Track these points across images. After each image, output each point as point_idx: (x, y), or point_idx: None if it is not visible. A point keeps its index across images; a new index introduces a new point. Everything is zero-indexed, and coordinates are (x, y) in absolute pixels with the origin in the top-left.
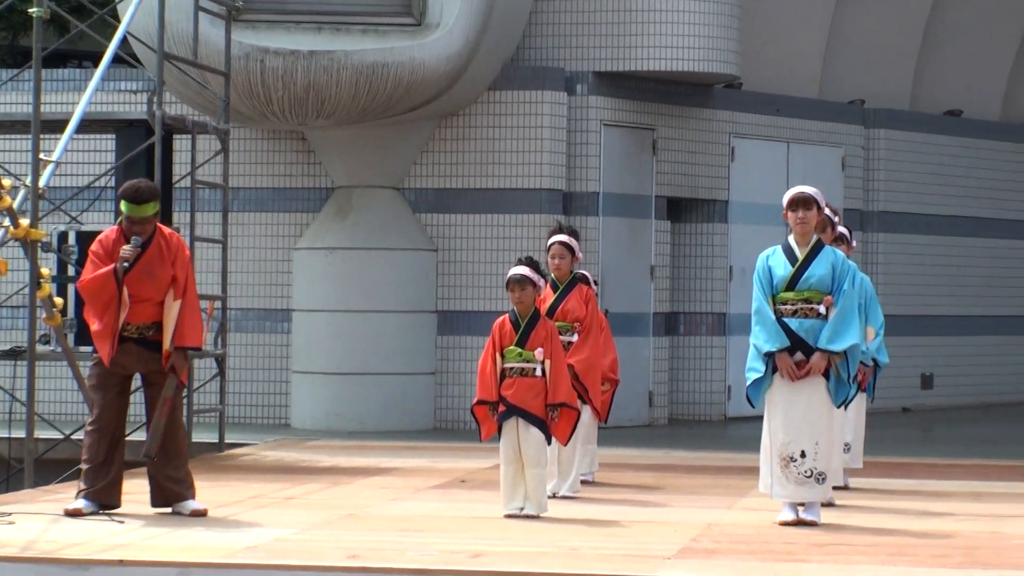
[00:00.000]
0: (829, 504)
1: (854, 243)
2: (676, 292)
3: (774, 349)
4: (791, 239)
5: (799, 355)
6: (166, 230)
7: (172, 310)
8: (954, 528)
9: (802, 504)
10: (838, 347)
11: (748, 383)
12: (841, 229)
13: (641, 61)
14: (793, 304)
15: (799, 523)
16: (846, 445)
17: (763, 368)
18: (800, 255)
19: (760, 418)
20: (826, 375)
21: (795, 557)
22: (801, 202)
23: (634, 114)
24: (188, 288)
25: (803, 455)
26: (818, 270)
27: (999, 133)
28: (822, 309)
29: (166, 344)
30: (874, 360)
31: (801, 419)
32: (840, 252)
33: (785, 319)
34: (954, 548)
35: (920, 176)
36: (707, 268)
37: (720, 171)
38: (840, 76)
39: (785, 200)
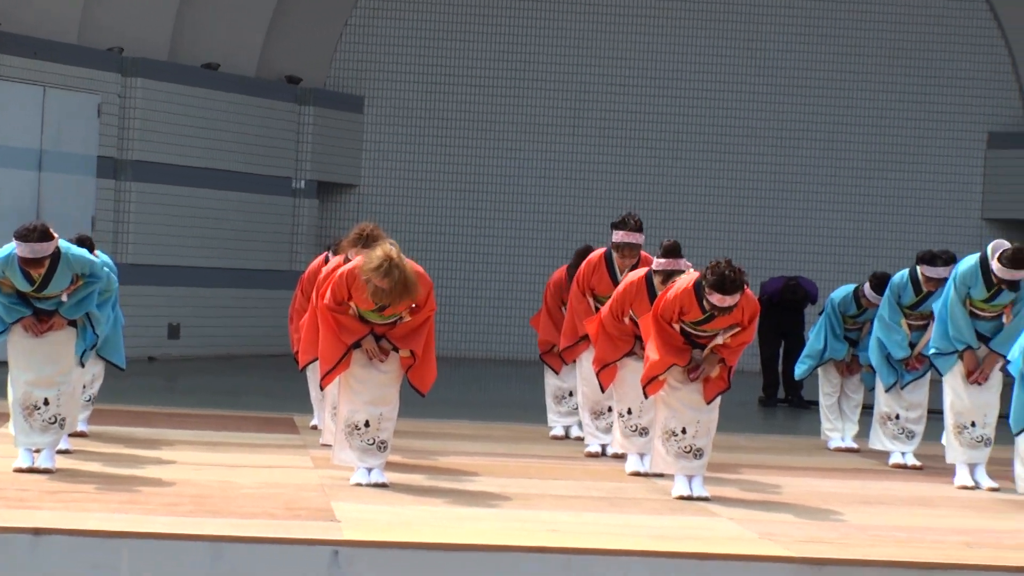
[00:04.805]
0: (66, 452)
1: None
2: None
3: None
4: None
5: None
6: None
7: None
8: (188, 477)
9: (39, 451)
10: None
11: None
12: None
13: None
14: None
15: (33, 471)
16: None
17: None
18: None
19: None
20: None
21: (28, 504)
22: None
23: None
24: None
25: (47, 403)
26: None
27: (255, 89)
28: None
29: None
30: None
31: (44, 365)
32: None
33: None
34: (185, 496)
35: (177, 128)
36: None
37: None
38: (100, 22)
39: None
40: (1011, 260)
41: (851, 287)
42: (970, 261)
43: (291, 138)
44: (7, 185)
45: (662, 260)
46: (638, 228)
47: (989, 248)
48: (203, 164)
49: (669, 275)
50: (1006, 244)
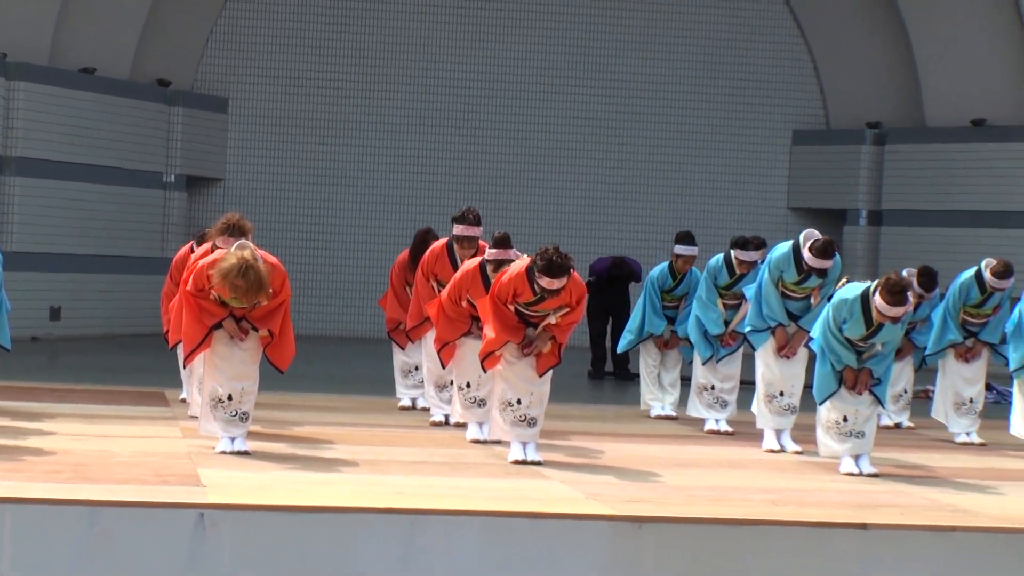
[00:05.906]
0: None
1: None
2: None
3: None
4: None
5: None
6: None
7: None
8: (68, 447)
9: None
10: None
11: None
12: None
13: None
14: None
15: None
16: None
17: None
18: None
19: None
20: None
21: None
22: None
23: None
24: None
25: None
26: None
27: (128, 91)
28: None
29: None
30: None
31: None
32: None
33: None
34: (65, 464)
35: (57, 127)
36: None
37: None
38: None
39: None
40: (820, 251)
41: (665, 264)
42: (783, 248)
43: (162, 136)
44: None
45: (493, 250)
46: (476, 222)
47: (801, 236)
48: (81, 160)
49: (500, 264)
50: (817, 235)
